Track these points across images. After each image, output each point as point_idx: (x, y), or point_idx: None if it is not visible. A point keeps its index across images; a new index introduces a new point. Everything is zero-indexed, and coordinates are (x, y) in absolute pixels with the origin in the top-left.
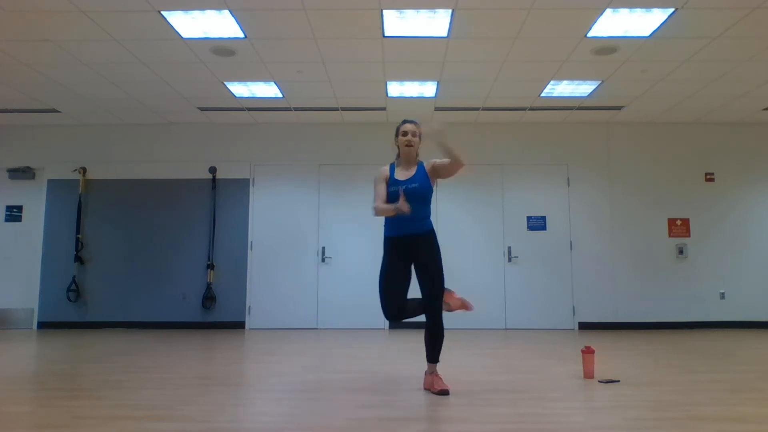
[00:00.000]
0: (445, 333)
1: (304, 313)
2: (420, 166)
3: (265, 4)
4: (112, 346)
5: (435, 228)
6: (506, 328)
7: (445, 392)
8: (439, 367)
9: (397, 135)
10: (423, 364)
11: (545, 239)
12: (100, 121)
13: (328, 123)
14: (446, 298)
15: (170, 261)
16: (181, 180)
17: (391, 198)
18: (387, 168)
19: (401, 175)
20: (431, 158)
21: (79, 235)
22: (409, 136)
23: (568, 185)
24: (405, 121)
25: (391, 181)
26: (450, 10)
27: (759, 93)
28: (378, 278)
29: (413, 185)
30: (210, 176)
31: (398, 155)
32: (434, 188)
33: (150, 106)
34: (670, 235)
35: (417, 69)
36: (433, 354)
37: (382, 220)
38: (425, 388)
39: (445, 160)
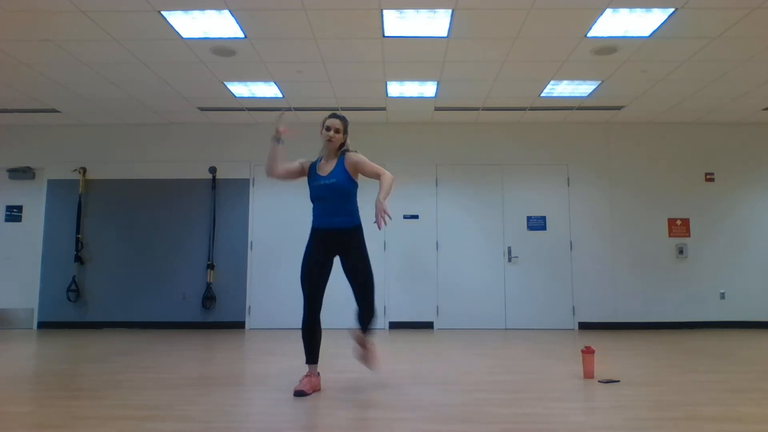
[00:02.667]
0: (446, 334)
1: None
2: (340, 159)
3: (265, 4)
4: (112, 346)
5: (435, 228)
6: (506, 328)
7: (370, 364)
8: (440, 367)
9: (322, 126)
10: (422, 364)
11: (545, 239)
12: (100, 121)
13: None
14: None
15: (170, 261)
16: (181, 180)
17: (312, 193)
18: (309, 162)
19: (322, 170)
20: (355, 150)
21: (79, 235)
22: (332, 132)
23: (568, 185)
24: (333, 115)
25: (313, 176)
26: (450, 10)
27: (759, 93)
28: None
29: (330, 181)
30: (210, 176)
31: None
32: (357, 182)
33: (150, 106)
34: (670, 235)
35: (417, 69)
36: (365, 326)
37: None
38: (356, 357)
39: (365, 164)
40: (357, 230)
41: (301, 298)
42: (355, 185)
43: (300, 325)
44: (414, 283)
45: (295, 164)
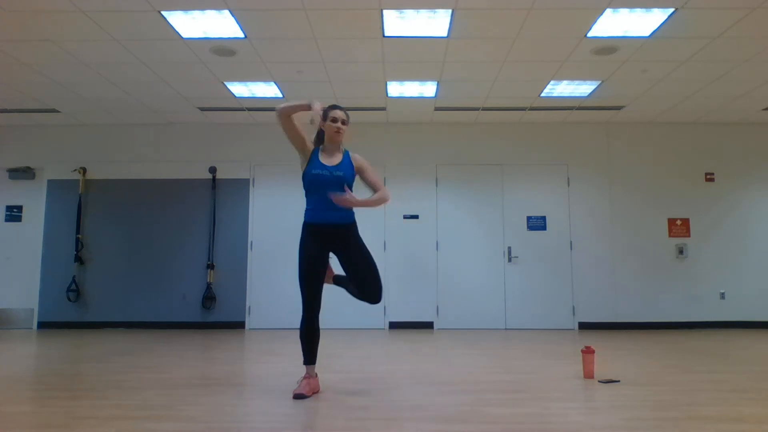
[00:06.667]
0: (446, 334)
1: None
2: (346, 154)
3: (265, 4)
4: (112, 346)
5: (435, 228)
6: (506, 328)
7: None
8: (440, 367)
9: (325, 118)
10: (422, 364)
11: (545, 239)
12: (100, 121)
13: None
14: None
15: (170, 261)
16: (181, 180)
17: (312, 181)
18: (312, 147)
19: (327, 160)
20: (354, 151)
21: (79, 235)
22: (339, 124)
23: (568, 185)
24: (337, 107)
25: (316, 164)
26: (450, 10)
27: (759, 93)
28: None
29: (339, 173)
30: (210, 176)
31: (320, 139)
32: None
33: (150, 106)
34: (670, 235)
35: (417, 69)
36: (348, 289)
37: (387, 224)
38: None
39: (371, 171)
40: (354, 225)
41: (300, 298)
42: (354, 181)
43: (299, 326)
44: (414, 283)
45: (303, 133)
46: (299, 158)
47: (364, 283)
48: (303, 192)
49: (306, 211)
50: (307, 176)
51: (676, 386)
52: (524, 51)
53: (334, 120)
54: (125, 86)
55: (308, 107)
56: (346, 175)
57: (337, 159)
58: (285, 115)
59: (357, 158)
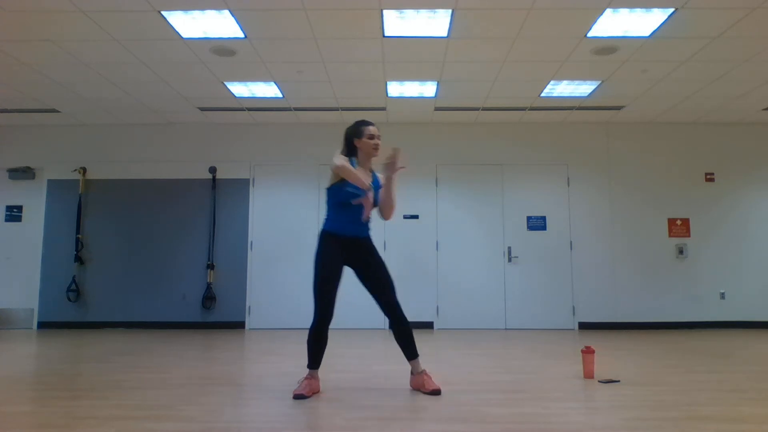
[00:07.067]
0: (446, 334)
1: (304, 313)
2: (374, 175)
3: (265, 4)
4: (112, 346)
5: (435, 228)
6: (506, 328)
7: (437, 392)
8: (440, 367)
9: (360, 135)
10: (422, 363)
11: (545, 239)
12: (100, 121)
13: (328, 123)
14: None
15: (170, 261)
16: (181, 180)
17: (347, 197)
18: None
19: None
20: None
21: (79, 235)
22: (376, 140)
23: (568, 185)
24: (368, 123)
25: (349, 183)
26: (450, 10)
27: (759, 93)
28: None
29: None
30: (210, 176)
31: (350, 150)
32: None
33: (150, 106)
34: (670, 235)
35: (417, 69)
36: (412, 351)
37: (387, 224)
38: (413, 388)
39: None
40: (370, 238)
41: (300, 298)
42: None
43: (300, 326)
44: (414, 283)
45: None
46: (330, 174)
47: (383, 294)
48: (302, 192)
49: (328, 220)
50: (341, 192)
51: (676, 386)
52: (524, 51)
53: (371, 137)
54: (125, 86)
55: (364, 186)
56: (376, 195)
57: (369, 178)
58: (342, 173)
59: (382, 178)
